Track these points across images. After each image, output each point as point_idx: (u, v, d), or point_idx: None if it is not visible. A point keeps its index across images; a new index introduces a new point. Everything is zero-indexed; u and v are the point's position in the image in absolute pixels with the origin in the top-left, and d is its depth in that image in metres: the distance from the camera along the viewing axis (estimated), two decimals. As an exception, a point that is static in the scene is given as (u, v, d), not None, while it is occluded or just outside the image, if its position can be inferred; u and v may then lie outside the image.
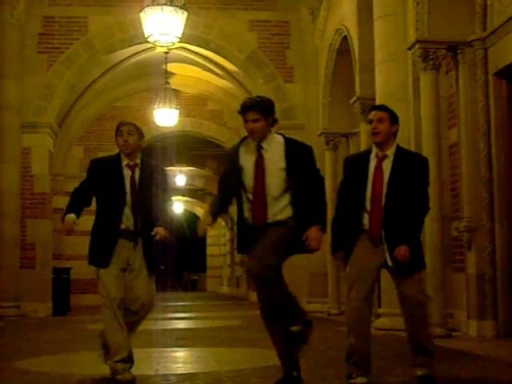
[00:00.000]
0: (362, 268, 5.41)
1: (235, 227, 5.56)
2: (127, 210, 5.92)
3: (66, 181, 19.44)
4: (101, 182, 5.99)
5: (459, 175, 9.77)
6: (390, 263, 5.38)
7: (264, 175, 5.27)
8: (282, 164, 5.28)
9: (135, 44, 16.11)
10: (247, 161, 5.33)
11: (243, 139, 5.45)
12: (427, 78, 9.68)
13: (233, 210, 5.51)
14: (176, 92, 20.20)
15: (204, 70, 19.03)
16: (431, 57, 9.58)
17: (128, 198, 5.93)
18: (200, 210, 37.52)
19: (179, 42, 13.92)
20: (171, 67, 18.61)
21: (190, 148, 25.99)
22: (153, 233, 5.85)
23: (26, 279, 14.93)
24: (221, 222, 33.76)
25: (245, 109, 5.30)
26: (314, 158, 5.44)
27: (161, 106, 18.94)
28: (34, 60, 15.60)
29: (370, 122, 5.59)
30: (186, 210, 39.55)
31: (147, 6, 12.86)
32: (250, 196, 5.28)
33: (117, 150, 6.13)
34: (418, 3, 9.69)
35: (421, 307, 5.48)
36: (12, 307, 14.59)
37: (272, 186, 5.26)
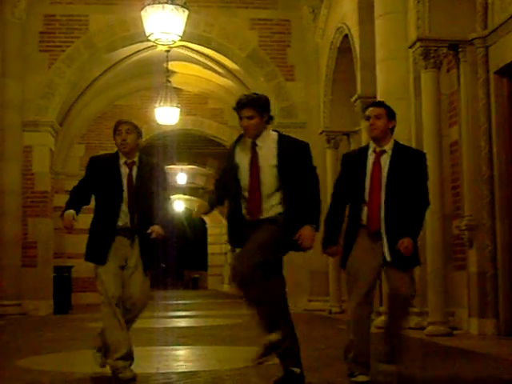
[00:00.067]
0: (363, 265, 5.42)
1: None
2: (124, 208, 5.94)
3: (66, 179, 19.44)
4: (99, 179, 6.02)
5: (460, 173, 9.77)
6: (388, 258, 5.39)
7: (259, 173, 5.29)
8: (274, 161, 5.30)
9: (136, 42, 16.10)
10: (243, 159, 5.36)
11: (240, 137, 5.47)
12: (428, 77, 9.68)
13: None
14: (177, 90, 20.18)
15: (205, 68, 19.03)
16: (432, 55, 9.58)
17: (125, 195, 5.95)
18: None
19: (180, 40, 13.91)
20: (172, 65, 18.61)
21: (191, 146, 25.99)
22: (149, 231, 5.86)
23: (27, 278, 14.94)
24: (222, 220, 33.75)
25: (240, 106, 5.32)
26: (309, 156, 5.42)
27: (162, 104, 18.93)
28: (36, 58, 15.60)
29: (368, 118, 5.63)
30: (187, 209, 39.53)
31: (148, 4, 12.86)
32: (246, 193, 5.30)
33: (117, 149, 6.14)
34: (418, 1, 9.68)
35: (406, 304, 5.53)
36: (13, 305, 14.60)
37: (266, 184, 5.28)
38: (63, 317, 14.77)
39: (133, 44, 16.31)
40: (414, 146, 10.04)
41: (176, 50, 16.99)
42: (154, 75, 19.33)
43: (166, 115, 19.15)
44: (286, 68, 16.33)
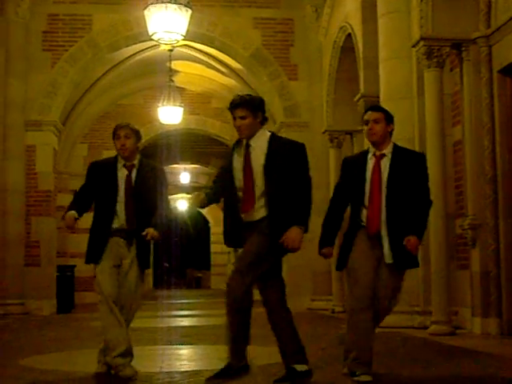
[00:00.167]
0: (362, 266, 5.46)
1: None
2: (121, 210, 6.01)
3: (70, 179, 19.48)
4: (98, 183, 6.10)
5: (463, 173, 9.76)
6: (389, 260, 5.44)
7: (252, 174, 5.31)
8: (263, 161, 5.32)
9: (139, 42, 16.10)
10: (238, 160, 5.41)
11: (239, 139, 5.50)
12: (431, 76, 9.67)
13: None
14: (180, 90, 20.19)
15: (208, 67, 19.02)
16: (435, 54, 9.57)
17: (121, 197, 6.01)
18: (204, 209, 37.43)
19: (183, 39, 13.92)
20: (175, 65, 18.62)
21: (194, 146, 26.00)
22: (144, 233, 5.91)
23: (30, 277, 14.95)
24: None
25: (233, 106, 5.39)
26: (302, 157, 5.38)
27: (165, 103, 18.94)
28: (39, 58, 15.61)
29: (366, 122, 5.67)
30: (190, 208, 39.53)
31: (151, 3, 12.86)
32: (240, 194, 5.35)
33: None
34: (422, 0, 9.67)
35: (389, 306, 5.63)
36: (16, 305, 14.61)
37: (258, 185, 5.31)
38: (66, 316, 14.79)
39: (136, 43, 16.31)
40: (417, 145, 10.07)
41: (179, 49, 16.97)
42: (157, 74, 19.33)
43: (169, 114, 19.16)
44: (289, 67, 16.32)
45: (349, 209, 5.73)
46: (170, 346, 8.38)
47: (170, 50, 17.02)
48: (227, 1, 16.26)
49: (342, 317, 12.88)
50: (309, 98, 16.07)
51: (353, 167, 5.71)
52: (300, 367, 5.27)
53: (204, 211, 36.55)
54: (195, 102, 22.14)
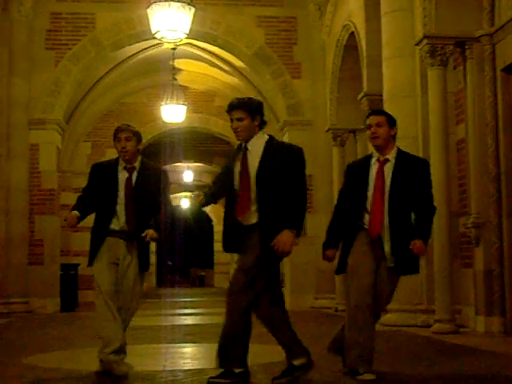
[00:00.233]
0: (362, 266, 5.49)
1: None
2: (121, 212, 6.04)
3: (73, 177, 19.50)
4: (99, 185, 6.14)
5: (467, 171, 9.75)
6: (390, 264, 5.48)
7: (248, 177, 5.32)
8: (257, 165, 5.33)
9: (143, 40, 16.10)
10: (237, 163, 5.42)
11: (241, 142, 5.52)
12: (435, 74, 9.66)
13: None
14: (183, 88, 20.20)
15: (211, 66, 19.02)
16: (439, 52, 9.56)
17: (122, 199, 6.04)
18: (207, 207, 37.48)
19: (186, 38, 13.91)
20: (178, 63, 18.61)
21: (198, 144, 26.01)
22: (143, 234, 5.94)
23: (34, 275, 14.97)
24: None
25: (231, 108, 5.39)
26: (298, 161, 5.36)
27: (168, 102, 18.95)
28: (42, 56, 15.61)
29: (369, 127, 5.70)
30: (193, 206, 39.55)
31: (154, 2, 12.85)
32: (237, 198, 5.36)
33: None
34: (425, -1, 9.67)
35: (384, 306, 5.72)
36: (20, 303, 14.63)
37: (253, 189, 5.32)
38: (70, 314, 14.80)
39: (139, 42, 16.31)
40: (420, 143, 10.07)
41: (182, 47, 16.99)
42: (160, 73, 19.35)
43: (173, 113, 19.17)
44: (292, 65, 16.31)
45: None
46: (174, 345, 8.39)
47: (173, 49, 17.04)
48: (230, -1, 16.27)
49: (345, 315, 12.88)
50: (312, 97, 16.07)
51: (356, 172, 5.76)
52: (297, 361, 5.27)
53: (207, 210, 36.58)
54: (198, 100, 22.14)
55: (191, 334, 9.75)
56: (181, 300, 22.54)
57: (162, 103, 19.10)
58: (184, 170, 30.27)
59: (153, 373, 6.02)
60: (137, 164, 6.17)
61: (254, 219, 5.29)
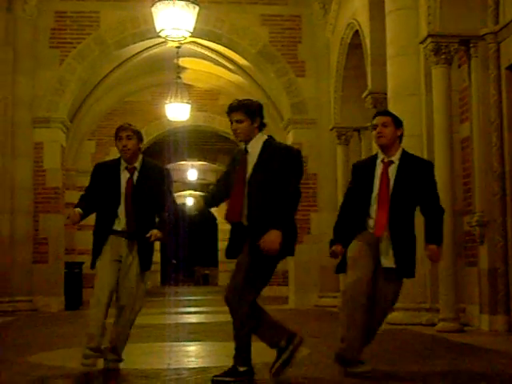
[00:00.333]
0: (361, 255, 5.53)
1: None
2: (122, 212, 6.05)
3: (77, 175, 19.50)
4: (101, 185, 6.18)
5: (471, 169, 9.74)
6: (388, 265, 5.52)
7: (244, 179, 5.37)
8: (252, 166, 5.38)
9: (147, 39, 16.10)
10: (237, 165, 5.47)
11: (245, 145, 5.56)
12: (439, 72, 9.65)
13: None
14: (188, 86, 20.20)
15: (216, 64, 19.02)
16: (443, 51, 9.55)
17: (123, 199, 6.06)
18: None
19: (191, 36, 13.92)
20: (183, 62, 18.62)
21: (202, 142, 26.02)
22: (148, 235, 5.96)
23: (38, 274, 14.99)
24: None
25: (231, 110, 5.46)
26: (295, 163, 5.38)
27: (172, 100, 18.95)
28: (47, 55, 15.62)
29: (375, 127, 5.73)
30: (197, 205, 39.56)
31: (159, 0, 12.86)
32: None
33: None
34: (429, -3, 9.66)
35: (385, 313, 5.73)
36: (25, 302, 14.65)
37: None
38: (74, 313, 14.81)
39: (143, 40, 16.31)
40: (425, 142, 10.06)
41: (186, 46, 16.99)
42: (164, 71, 19.35)
43: (177, 111, 19.18)
44: (296, 64, 16.29)
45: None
46: (178, 343, 8.39)
47: (178, 47, 17.03)
48: (234, -3, 16.27)
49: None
50: (316, 95, 16.05)
51: (362, 173, 5.80)
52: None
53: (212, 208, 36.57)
54: (203, 98, 22.13)
55: (195, 333, 9.75)
56: (185, 298, 22.56)
57: (167, 101, 19.11)
58: (188, 169, 30.29)
59: (157, 371, 6.03)
60: (138, 164, 6.19)
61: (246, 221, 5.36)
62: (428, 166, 5.82)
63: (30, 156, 15.24)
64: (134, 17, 15.78)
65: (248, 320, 5.27)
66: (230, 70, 18.90)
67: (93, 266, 6.13)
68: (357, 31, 13.37)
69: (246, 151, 5.43)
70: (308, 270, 15.55)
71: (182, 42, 14.83)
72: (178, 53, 17.52)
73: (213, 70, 19.90)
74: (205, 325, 11.49)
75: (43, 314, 14.28)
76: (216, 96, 22.21)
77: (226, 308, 5.40)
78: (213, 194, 5.67)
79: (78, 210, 6.02)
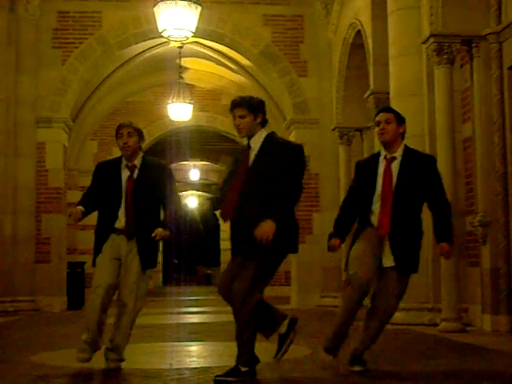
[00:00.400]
0: (366, 254, 5.52)
1: None
2: (123, 210, 6.08)
3: (80, 175, 19.51)
4: (102, 183, 6.20)
5: (473, 169, 9.74)
6: (391, 263, 5.52)
7: (244, 174, 5.40)
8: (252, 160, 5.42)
9: (149, 39, 16.09)
10: (239, 161, 5.51)
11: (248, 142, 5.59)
12: (441, 72, 9.64)
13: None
14: (190, 86, 20.21)
15: (218, 64, 19.02)
16: (445, 51, 9.54)
17: (123, 197, 6.07)
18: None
19: (193, 36, 13.91)
20: (185, 62, 18.62)
21: (204, 143, 26.02)
22: (153, 234, 5.97)
23: (40, 274, 14.99)
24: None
25: (233, 106, 5.49)
26: (297, 158, 5.40)
27: (175, 100, 18.96)
28: (49, 55, 15.62)
29: (378, 123, 5.77)
30: (199, 205, 39.57)
31: (161, 0, 12.86)
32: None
33: None
34: (432, -3, 9.65)
35: (391, 311, 5.73)
36: (27, 301, 14.65)
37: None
38: (76, 312, 14.81)
39: (146, 40, 16.30)
40: (427, 142, 10.05)
41: (189, 46, 16.99)
42: (166, 71, 19.35)
43: (179, 111, 19.18)
44: (298, 64, 16.29)
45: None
46: (180, 343, 8.40)
47: (180, 47, 17.05)
48: (237, -3, 16.27)
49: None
50: (318, 95, 16.05)
51: (365, 170, 5.82)
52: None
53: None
54: (205, 98, 22.14)
55: (197, 333, 9.75)
56: (187, 298, 22.56)
57: (169, 102, 19.12)
58: (190, 169, 30.30)
59: (159, 371, 6.03)
60: (138, 161, 6.19)
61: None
62: (431, 160, 5.85)
63: (32, 156, 15.24)
64: (136, 17, 15.78)
65: (252, 320, 5.27)
66: (232, 70, 18.90)
67: (94, 264, 6.17)
68: (359, 31, 13.37)
69: (248, 147, 5.46)
70: (310, 270, 15.54)
71: (185, 42, 14.84)
72: (180, 53, 17.53)
73: (215, 70, 19.91)
74: (207, 325, 11.49)
75: (45, 313, 14.29)
76: (218, 96, 22.22)
77: (228, 308, 5.40)
78: (218, 197, 5.66)
79: (80, 207, 6.05)
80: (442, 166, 9.14)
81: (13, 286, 14.48)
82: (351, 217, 5.78)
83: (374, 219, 5.61)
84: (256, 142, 5.45)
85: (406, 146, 5.76)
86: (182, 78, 18.83)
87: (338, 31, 15.07)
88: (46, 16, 15.59)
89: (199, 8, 13.11)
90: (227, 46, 16.61)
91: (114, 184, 6.12)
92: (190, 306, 17.11)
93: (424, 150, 9.64)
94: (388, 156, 5.71)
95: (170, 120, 20.01)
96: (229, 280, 5.38)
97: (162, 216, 6.18)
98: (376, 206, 5.62)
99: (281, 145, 5.45)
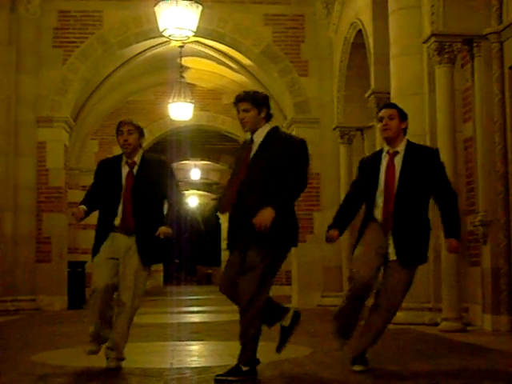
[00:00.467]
0: (369, 250, 5.54)
1: None
2: (121, 207, 6.09)
3: (80, 175, 19.51)
4: (104, 181, 6.21)
5: (474, 169, 9.74)
6: (393, 257, 5.53)
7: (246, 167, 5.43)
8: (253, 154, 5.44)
9: (150, 38, 16.10)
10: (242, 155, 5.55)
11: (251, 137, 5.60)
12: (442, 72, 9.64)
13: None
14: (191, 86, 20.20)
15: (219, 63, 19.02)
16: (446, 50, 9.54)
17: (123, 194, 6.08)
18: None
19: (194, 35, 13.92)
20: (186, 61, 18.61)
21: (205, 142, 26.02)
22: (157, 233, 5.98)
23: (41, 273, 15.01)
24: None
25: (237, 100, 5.52)
26: (300, 152, 5.42)
27: (176, 100, 18.96)
28: (50, 54, 15.63)
29: (381, 119, 5.79)
30: (200, 204, 39.60)
31: (162, -1, 12.88)
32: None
33: None
34: (433, -4, 9.65)
35: (394, 309, 5.75)
36: (28, 301, 14.66)
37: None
38: (77, 312, 14.82)
39: (146, 40, 16.31)
40: (428, 141, 10.04)
41: (190, 45, 17.00)
42: (167, 71, 19.34)
43: (180, 111, 19.18)
44: (299, 63, 16.28)
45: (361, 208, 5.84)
46: (181, 342, 8.39)
47: (181, 47, 17.04)
48: (238, -3, 16.27)
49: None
50: (319, 95, 16.05)
51: (368, 166, 5.85)
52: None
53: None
54: (206, 98, 22.13)
55: (198, 332, 9.75)
56: (187, 298, 22.57)
57: (170, 101, 19.11)
58: (191, 168, 30.30)
59: (160, 370, 6.03)
60: (138, 158, 6.20)
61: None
62: (434, 152, 5.87)
63: (33, 155, 15.25)
64: (137, 16, 15.79)
65: (258, 319, 5.27)
66: (233, 69, 18.90)
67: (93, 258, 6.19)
68: (360, 30, 13.37)
69: (251, 141, 5.48)
70: (311, 269, 15.54)
71: (185, 41, 14.84)
72: (181, 52, 17.53)
73: (216, 69, 19.90)
74: (207, 324, 11.50)
75: (46, 313, 14.30)
76: (219, 95, 22.21)
77: (229, 307, 5.42)
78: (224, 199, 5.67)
79: (83, 206, 6.07)
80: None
81: (13, 285, 14.49)
82: (352, 210, 5.82)
83: (378, 213, 5.62)
84: (259, 136, 5.47)
85: (408, 141, 5.79)
86: (182, 77, 18.83)
87: (339, 31, 15.07)
88: (47, 15, 15.60)
89: (200, 7, 13.12)
90: (228, 46, 16.61)
91: (114, 181, 6.12)
92: (191, 306, 17.12)
93: (425, 150, 9.64)
94: (391, 151, 5.74)
95: (171, 119, 20.01)
96: (230, 277, 5.39)
97: (164, 212, 6.19)
98: (379, 201, 5.63)
99: (283, 139, 5.46)
